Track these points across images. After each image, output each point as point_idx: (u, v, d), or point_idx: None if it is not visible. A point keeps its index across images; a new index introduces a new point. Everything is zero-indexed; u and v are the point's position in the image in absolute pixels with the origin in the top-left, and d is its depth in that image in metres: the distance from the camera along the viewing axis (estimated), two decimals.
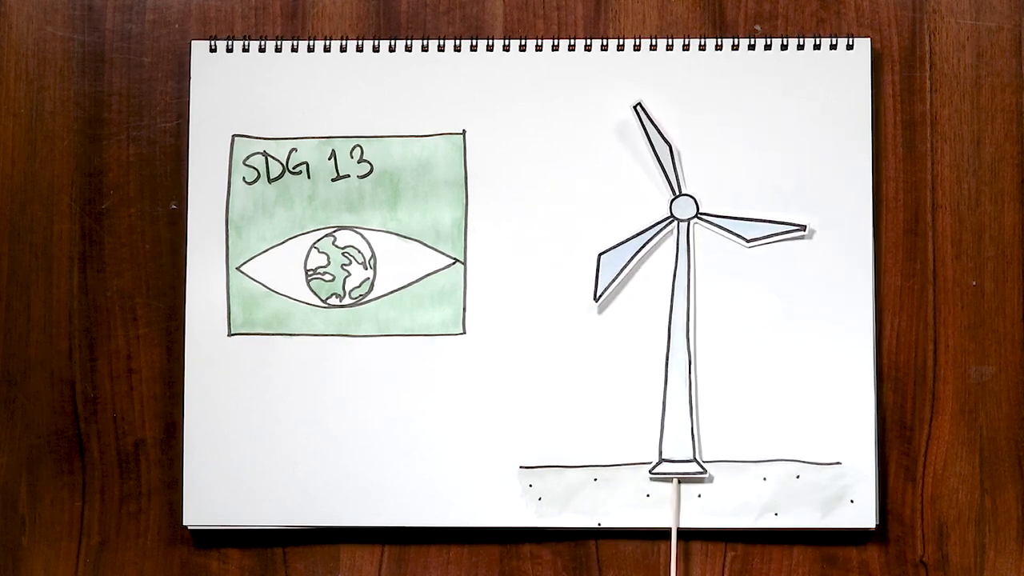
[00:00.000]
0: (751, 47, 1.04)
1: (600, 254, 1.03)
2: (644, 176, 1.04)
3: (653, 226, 1.03)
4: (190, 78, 1.04)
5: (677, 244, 1.03)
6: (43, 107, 1.05)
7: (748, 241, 1.03)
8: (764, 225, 1.03)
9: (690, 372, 1.02)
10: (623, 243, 1.03)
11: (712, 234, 1.03)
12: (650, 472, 1.02)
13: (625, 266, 1.03)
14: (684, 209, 1.03)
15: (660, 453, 1.02)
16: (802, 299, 1.03)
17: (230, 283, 1.04)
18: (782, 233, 1.03)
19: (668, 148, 1.03)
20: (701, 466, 1.01)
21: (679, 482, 1.02)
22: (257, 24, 1.05)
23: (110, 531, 1.04)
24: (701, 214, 1.03)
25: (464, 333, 1.03)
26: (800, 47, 1.03)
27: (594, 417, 1.02)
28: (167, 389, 1.04)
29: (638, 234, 1.03)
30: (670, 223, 1.03)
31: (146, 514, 1.04)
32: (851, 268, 1.02)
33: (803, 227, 1.02)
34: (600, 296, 1.03)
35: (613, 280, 1.03)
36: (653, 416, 1.02)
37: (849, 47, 1.03)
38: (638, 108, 1.03)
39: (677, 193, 1.03)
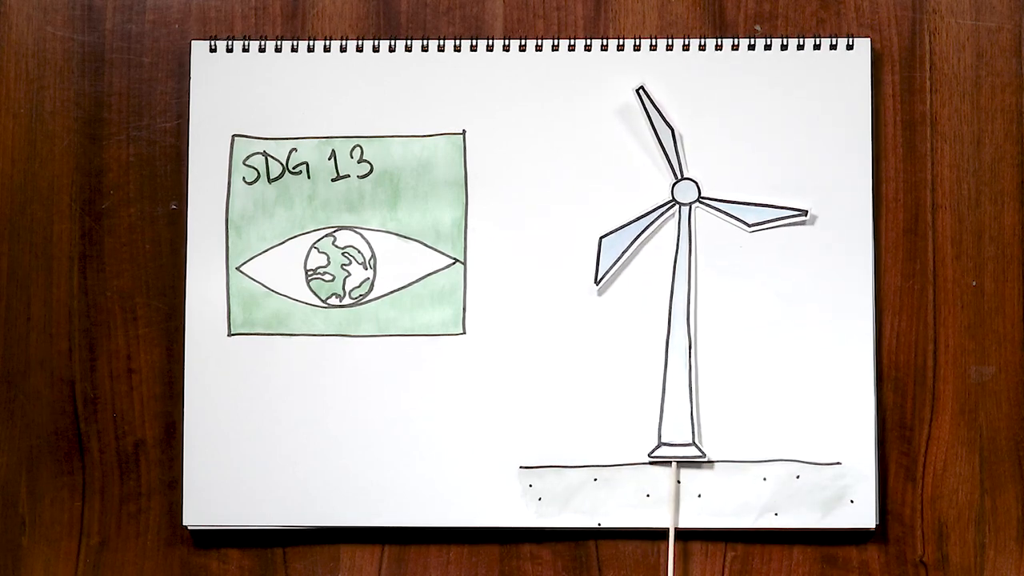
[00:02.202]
0: (751, 47, 1.04)
1: (601, 237, 1.03)
2: (646, 160, 1.04)
3: (655, 209, 1.04)
4: (190, 78, 1.04)
5: (678, 228, 1.03)
6: (43, 107, 1.05)
7: (750, 226, 1.03)
8: (765, 210, 1.03)
9: (690, 356, 1.02)
10: (624, 226, 1.03)
11: (713, 218, 1.03)
12: (649, 455, 1.02)
13: (626, 249, 1.03)
14: (686, 193, 1.03)
15: (659, 437, 1.02)
16: (802, 292, 1.03)
17: (230, 283, 1.04)
18: (783, 218, 1.03)
19: (670, 132, 1.03)
20: (700, 450, 1.01)
21: (678, 465, 1.02)
22: (257, 24, 1.05)
23: (110, 531, 1.04)
24: (703, 198, 1.03)
25: (464, 333, 1.03)
26: (800, 47, 1.03)
27: (594, 407, 1.02)
28: (167, 389, 1.04)
29: (639, 217, 1.03)
30: (671, 207, 1.04)
31: (146, 514, 1.04)
32: (851, 265, 1.02)
33: (804, 212, 1.02)
34: (601, 279, 1.03)
35: (614, 263, 1.03)
36: (653, 408, 1.02)
37: (849, 47, 1.03)
38: (640, 91, 1.03)
39: (679, 177, 1.03)
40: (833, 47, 1.03)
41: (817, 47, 1.03)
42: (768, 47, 1.03)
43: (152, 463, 1.04)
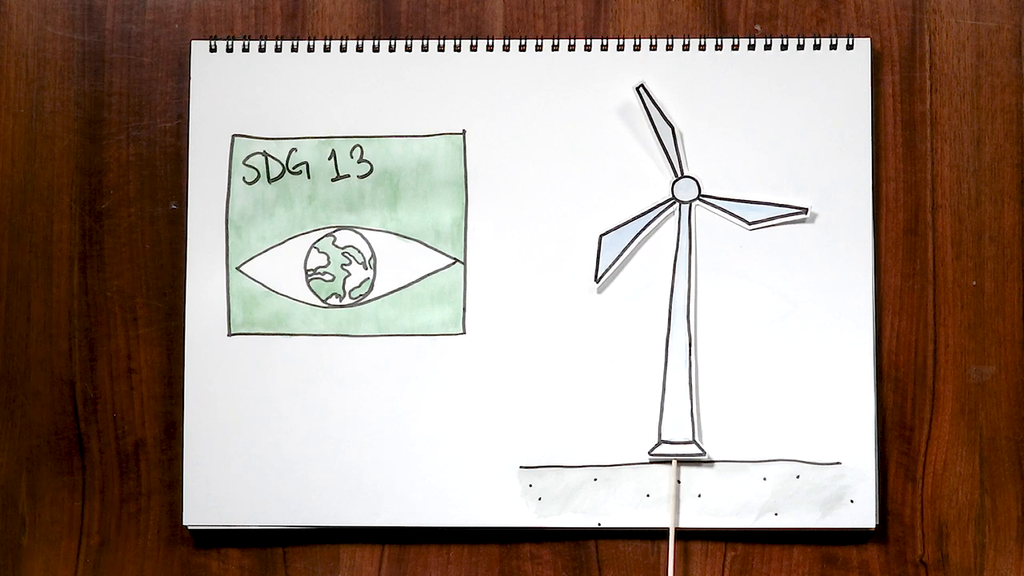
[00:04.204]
0: (751, 47, 1.03)
1: (601, 235, 1.03)
2: (646, 158, 1.04)
3: (655, 207, 1.03)
4: (190, 78, 1.04)
5: (679, 226, 1.03)
6: (43, 107, 1.05)
7: (750, 224, 1.03)
8: (766, 208, 1.03)
9: (690, 354, 1.02)
10: (624, 224, 1.03)
11: (714, 216, 1.03)
12: (649, 453, 1.02)
13: (626, 247, 1.03)
14: (686, 191, 1.03)
15: (659, 435, 1.02)
16: (802, 292, 1.02)
17: (230, 283, 1.04)
18: (784, 216, 1.02)
19: (670, 129, 1.03)
20: (700, 448, 1.01)
21: (678, 464, 1.02)
22: (257, 24, 1.05)
23: (110, 531, 1.04)
24: (703, 196, 1.03)
25: (464, 333, 1.03)
26: (800, 47, 1.03)
27: (594, 406, 1.02)
28: (167, 389, 1.04)
29: (640, 215, 1.03)
30: (672, 205, 1.03)
31: (146, 514, 1.04)
32: (851, 265, 1.02)
33: (805, 210, 1.02)
34: (601, 277, 1.03)
35: (614, 261, 1.03)
36: (653, 407, 1.02)
37: (849, 47, 1.03)
38: (640, 90, 1.03)
39: (679, 175, 1.03)
40: (833, 47, 1.03)
41: (817, 47, 1.03)
42: (768, 47, 1.03)
43: (152, 463, 1.04)
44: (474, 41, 1.04)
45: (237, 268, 1.04)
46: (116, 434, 1.04)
